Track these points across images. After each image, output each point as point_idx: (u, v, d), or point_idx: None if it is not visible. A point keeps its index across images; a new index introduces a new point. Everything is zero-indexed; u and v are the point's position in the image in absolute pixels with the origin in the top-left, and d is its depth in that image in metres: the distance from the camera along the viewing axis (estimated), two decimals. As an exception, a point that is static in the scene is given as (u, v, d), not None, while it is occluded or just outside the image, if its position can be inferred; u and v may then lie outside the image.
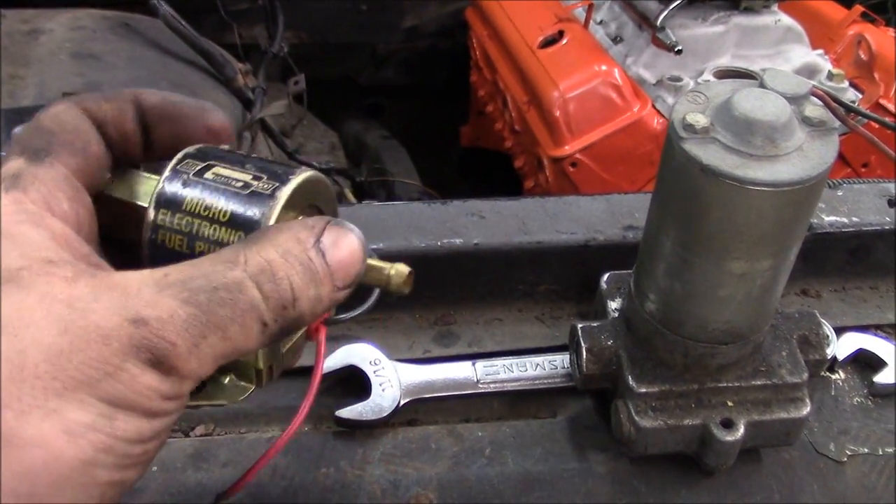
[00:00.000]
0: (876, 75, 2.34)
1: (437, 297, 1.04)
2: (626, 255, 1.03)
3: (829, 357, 1.00)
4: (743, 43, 2.39)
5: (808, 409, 0.93)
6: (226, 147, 0.74)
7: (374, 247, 1.05)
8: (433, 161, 3.06)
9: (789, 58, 2.42)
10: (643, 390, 0.92)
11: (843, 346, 1.07)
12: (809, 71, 2.40)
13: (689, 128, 0.79)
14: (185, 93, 2.11)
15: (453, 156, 3.17)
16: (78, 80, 1.93)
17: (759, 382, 0.93)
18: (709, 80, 2.20)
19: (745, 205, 0.77)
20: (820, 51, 2.47)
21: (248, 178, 0.69)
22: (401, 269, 0.75)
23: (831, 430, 1.01)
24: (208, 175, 0.69)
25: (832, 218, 1.14)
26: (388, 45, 3.12)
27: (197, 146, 0.72)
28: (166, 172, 0.70)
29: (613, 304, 1.00)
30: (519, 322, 1.10)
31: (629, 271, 0.97)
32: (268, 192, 0.68)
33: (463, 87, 3.02)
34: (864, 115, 0.87)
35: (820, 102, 0.82)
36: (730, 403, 0.93)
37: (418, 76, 3.25)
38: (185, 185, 0.69)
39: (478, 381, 1.01)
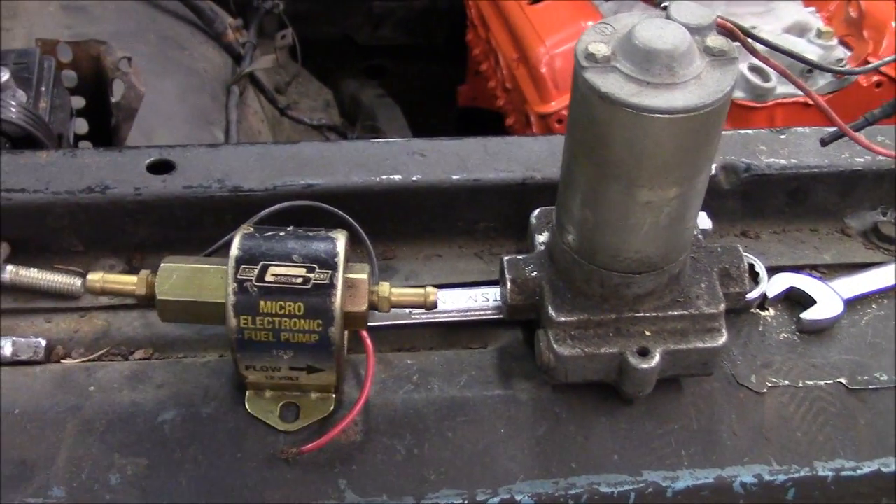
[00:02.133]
0: (865, 33, 2.33)
1: (377, 231, 1.06)
2: (560, 194, 1.05)
3: (755, 290, 1.02)
4: (734, -1, 2.38)
5: (725, 339, 0.95)
6: (267, 232, 0.90)
7: (314, 182, 1.08)
8: (433, 122, 3.07)
9: (780, 15, 2.40)
10: (562, 319, 0.95)
11: (774, 285, 1.09)
12: (800, 28, 2.39)
13: (591, 57, 0.81)
14: (172, 46, 2.16)
15: (452, 116, 3.17)
16: (65, 31, 1.97)
17: (675, 312, 0.95)
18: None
19: (643, 132, 0.80)
20: (812, 8, 2.45)
21: (303, 272, 0.87)
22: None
23: (754, 363, 1.03)
24: (268, 278, 0.87)
25: (771, 160, 1.15)
26: (385, 4, 3.12)
27: (241, 239, 0.89)
28: (232, 284, 0.87)
29: (541, 238, 1.03)
30: (458, 258, 1.13)
31: (558, 206, 1.00)
32: (326, 281, 0.87)
33: (462, 46, 3.03)
34: (774, 48, 0.88)
35: (724, 33, 0.83)
36: (647, 333, 0.95)
37: (417, 36, 3.25)
38: (253, 293, 0.87)
39: (410, 311, 1.04)
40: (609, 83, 0.79)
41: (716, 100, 0.79)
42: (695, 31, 0.82)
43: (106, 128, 1.59)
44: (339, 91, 3.01)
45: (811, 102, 2.47)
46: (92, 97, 1.58)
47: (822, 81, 2.29)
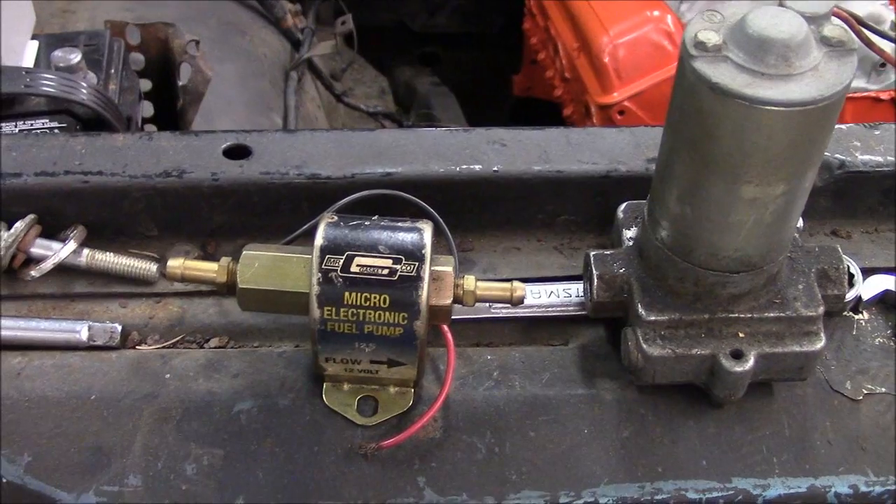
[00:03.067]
0: (942, 26, 2.25)
1: (455, 223, 1.03)
2: (648, 187, 1.01)
3: (849, 292, 0.98)
4: (805, -10, 2.31)
5: (823, 343, 0.91)
6: (351, 221, 0.87)
7: (393, 170, 1.05)
8: (486, 111, 3.04)
9: (852, 7, 2.33)
10: (652, 318, 0.91)
11: (869, 287, 1.04)
12: (874, 20, 2.32)
13: (701, 45, 0.77)
14: (233, 31, 2.14)
15: (506, 106, 3.14)
16: (127, 14, 1.95)
17: (772, 314, 0.91)
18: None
19: (756, 125, 0.76)
20: (885, 0, 2.38)
21: (389, 263, 0.84)
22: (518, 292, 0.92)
23: (849, 368, 0.99)
24: (354, 269, 0.84)
25: (867, 156, 1.10)
26: (442, -10, 3.10)
27: (325, 228, 0.87)
28: (316, 274, 0.84)
29: (629, 234, 0.99)
30: (537, 251, 1.10)
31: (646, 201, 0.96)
32: (412, 273, 0.84)
33: (518, 35, 2.99)
34: (889, 38, 0.84)
35: (840, 22, 0.79)
36: (741, 335, 0.92)
37: (473, 24, 3.22)
38: (338, 284, 0.84)
39: (490, 305, 1.01)
40: (720, 73, 0.75)
41: (834, 93, 0.74)
42: (810, 20, 0.78)
43: (172, 111, 1.58)
44: (393, 78, 2.99)
45: (882, 98, 2.41)
46: (159, 80, 1.57)
47: (893, 76, 2.23)
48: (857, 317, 1.04)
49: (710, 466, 0.92)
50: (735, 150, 0.78)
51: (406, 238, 0.86)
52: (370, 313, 0.85)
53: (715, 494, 0.91)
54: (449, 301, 0.88)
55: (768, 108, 0.74)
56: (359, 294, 0.84)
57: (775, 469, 0.92)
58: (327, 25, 2.67)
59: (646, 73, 2.26)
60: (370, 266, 0.85)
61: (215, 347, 0.99)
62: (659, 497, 0.90)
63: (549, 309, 1.02)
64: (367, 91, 2.73)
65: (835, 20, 0.80)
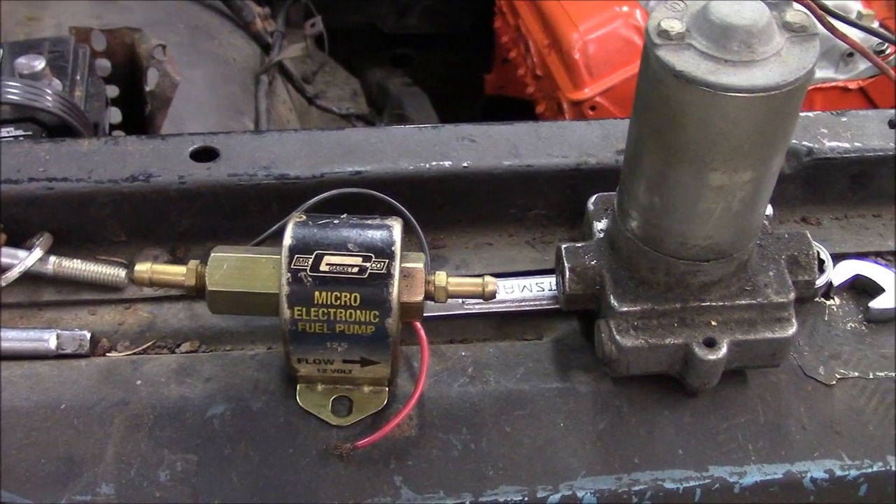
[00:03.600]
0: (907, 15, 2.27)
1: (426, 220, 1.03)
2: (618, 179, 1.02)
3: (820, 278, 0.98)
4: (770, -18, 2.33)
5: (795, 329, 0.92)
6: (320, 220, 0.87)
7: (362, 169, 1.05)
8: (459, 110, 3.03)
9: (818, -3, 2.35)
10: (625, 309, 0.91)
11: (839, 273, 1.05)
12: (839, 11, 2.33)
13: (664, 34, 0.77)
14: (202, 35, 2.13)
15: (478, 105, 3.14)
16: (95, 21, 1.94)
17: (743, 302, 0.91)
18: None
19: (720, 112, 0.76)
20: (852, -9, 2.39)
21: (359, 261, 0.83)
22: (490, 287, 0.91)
23: (822, 354, 0.99)
24: (323, 268, 0.83)
25: (834, 143, 1.11)
26: (411, -9, 3.09)
27: (293, 227, 0.86)
28: (286, 274, 0.83)
29: (599, 226, 0.99)
30: (509, 246, 1.10)
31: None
32: (383, 270, 0.84)
33: (489, 34, 2.99)
34: (852, 24, 0.84)
35: (801, 8, 0.79)
36: (713, 323, 0.92)
37: (443, 24, 3.21)
38: (308, 284, 0.83)
39: (463, 301, 1.01)
40: (684, 61, 0.76)
41: (798, 77, 0.75)
42: (772, 6, 0.78)
43: (140, 117, 1.56)
44: (365, 80, 2.98)
45: (850, 87, 2.42)
46: (126, 86, 1.56)
47: (863, 65, 2.24)
48: (828, 302, 1.04)
49: (686, 455, 0.92)
50: (701, 138, 0.78)
51: (375, 235, 0.86)
52: (341, 312, 0.84)
53: (692, 483, 0.91)
54: (420, 298, 0.88)
55: (732, 94, 0.74)
56: (329, 293, 0.84)
57: (751, 456, 0.92)
58: (297, 28, 2.66)
59: (616, 69, 2.26)
60: (340, 265, 0.84)
61: (187, 352, 0.98)
62: (636, 488, 0.90)
63: (523, 303, 1.02)
64: (339, 93, 2.71)
65: (796, 6, 0.80)
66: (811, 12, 0.81)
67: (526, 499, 0.89)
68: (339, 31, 2.73)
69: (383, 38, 3.19)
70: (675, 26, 0.77)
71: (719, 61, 0.76)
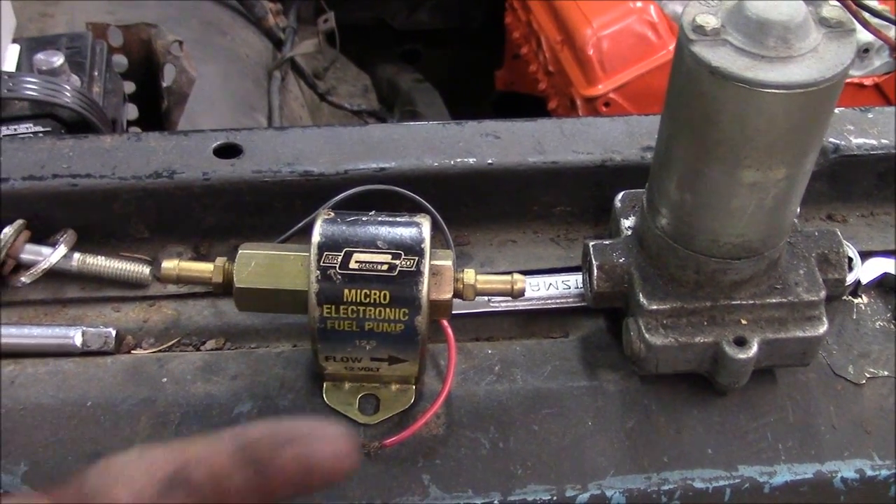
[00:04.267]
0: (923, 10, 2.25)
1: (450, 217, 1.02)
2: (644, 176, 1.00)
3: (848, 276, 0.98)
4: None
5: (825, 327, 0.91)
6: (349, 217, 0.86)
7: (386, 165, 1.04)
8: (469, 106, 3.02)
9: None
10: (654, 307, 0.90)
11: (867, 271, 1.04)
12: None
13: (699, 29, 0.76)
14: (214, 31, 2.12)
15: (488, 101, 3.13)
16: (107, 16, 1.93)
17: (774, 300, 0.91)
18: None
19: (756, 109, 0.75)
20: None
21: (388, 258, 0.82)
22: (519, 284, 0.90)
23: (851, 352, 0.99)
24: (353, 265, 0.83)
25: (861, 140, 1.10)
26: (422, -13, 3.08)
27: (322, 224, 0.85)
28: (315, 272, 0.82)
29: (627, 223, 0.98)
30: (534, 243, 1.09)
31: (644, 190, 0.95)
32: (412, 268, 0.83)
33: (499, 30, 2.98)
34: (887, 20, 0.84)
35: (837, 3, 0.78)
36: (743, 321, 0.91)
37: (453, 20, 3.20)
38: (337, 281, 0.83)
39: (489, 299, 1.00)
40: (720, 56, 0.75)
41: (835, 74, 0.74)
42: (808, 1, 0.77)
43: (156, 113, 1.56)
44: (375, 76, 2.97)
45: (866, 84, 2.41)
46: (142, 82, 1.55)
47: (879, 62, 2.23)
48: (856, 300, 1.04)
49: (715, 455, 0.91)
50: (736, 135, 0.78)
51: (405, 233, 0.85)
52: (370, 310, 0.84)
53: (721, 483, 0.90)
54: (449, 295, 0.87)
55: (769, 90, 0.74)
56: (358, 291, 0.83)
57: (781, 456, 0.91)
58: (308, 24, 2.65)
59: (630, 65, 2.26)
60: (369, 262, 0.83)
61: (212, 350, 0.97)
62: (666, 487, 0.90)
63: (549, 301, 1.02)
64: (350, 89, 2.71)
65: (832, 1, 0.79)
66: (845, 6, 0.80)
67: (555, 498, 0.88)
68: (349, 27, 2.72)
69: (393, 33, 3.19)
70: (710, 21, 0.76)
71: (756, 57, 0.75)
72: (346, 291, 0.83)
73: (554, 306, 1.02)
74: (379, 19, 3.15)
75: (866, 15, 0.84)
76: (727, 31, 0.76)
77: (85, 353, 0.95)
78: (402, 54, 3.23)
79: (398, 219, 0.87)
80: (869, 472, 0.91)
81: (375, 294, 0.83)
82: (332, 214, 0.87)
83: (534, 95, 2.77)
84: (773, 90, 0.73)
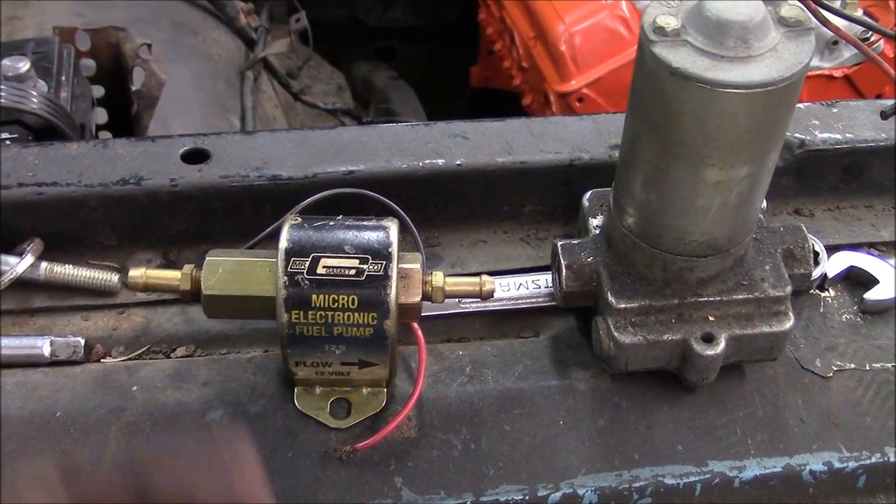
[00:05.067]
0: (891, 3, 2.27)
1: (420, 218, 1.03)
2: (612, 175, 1.01)
3: (814, 270, 0.98)
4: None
5: (792, 322, 0.92)
6: (316, 222, 0.86)
7: (355, 168, 1.04)
8: (444, 103, 3.02)
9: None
10: (622, 306, 0.91)
11: (833, 264, 1.05)
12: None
13: (660, 30, 0.77)
14: (185, 32, 2.11)
15: (464, 97, 3.13)
16: (77, 20, 1.91)
17: (740, 296, 0.91)
18: None
19: (717, 109, 0.76)
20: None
21: (356, 263, 0.83)
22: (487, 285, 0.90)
23: (818, 346, 1.00)
24: (320, 270, 0.83)
25: (826, 135, 1.11)
26: (395, -16, 3.08)
27: (289, 230, 0.84)
28: (283, 278, 0.82)
29: (595, 222, 0.99)
30: (504, 243, 1.09)
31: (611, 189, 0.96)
32: (380, 272, 0.83)
33: (473, 26, 2.98)
34: (847, 18, 0.84)
35: (796, 2, 0.79)
36: (711, 318, 0.92)
37: (427, 17, 3.20)
38: (305, 287, 0.82)
39: (459, 301, 1.00)
40: (681, 57, 0.75)
41: (794, 73, 0.75)
42: (766, 1, 0.78)
43: (126, 117, 1.55)
44: (349, 74, 2.96)
45: (836, 75, 2.42)
46: (111, 85, 1.54)
47: (848, 53, 2.24)
48: (823, 294, 1.05)
49: (686, 451, 0.92)
50: (698, 134, 0.78)
51: (372, 237, 0.85)
52: (339, 315, 0.84)
53: (692, 479, 0.91)
54: (418, 298, 0.87)
55: (730, 90, 0.74)
56: (326, 296, 0.83)
57: (750, 450, 0.92)
58: (280, 23, 2.64)
59: (603, 60, 2.26)
60: (337, 267, 0.83)
61: (182, 357, 0.97)
62: (637, 484, 0.90)
63: (519, 301, 1.02)
64: (324, 88, 2.70)
65: (791, 0, 0.80)
66: (805, 5, 0.80)
67: (527, 498, 0.89)
68: (322, 25, 2.71)
69: (367, 31, 3.18)
70: (670, 23, 0.77)
71: (715, 57, 0.75)
72: (314, 297, 0.83)
73: (524, 306, 1.02)
74: (352, 17, 3.14)
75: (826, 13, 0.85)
76: (687, 32, 0.77)
77: (54, 362, 0.94)
78: (376, 51, 3.23)
79: (365, 223, 0.87)
80: (837, 465, 0.92)
81: (343, 299, 0.83)
82: (300, 220, 0.87)
83: (509, 91, 2.77)
84: (734, 90, 0.74)
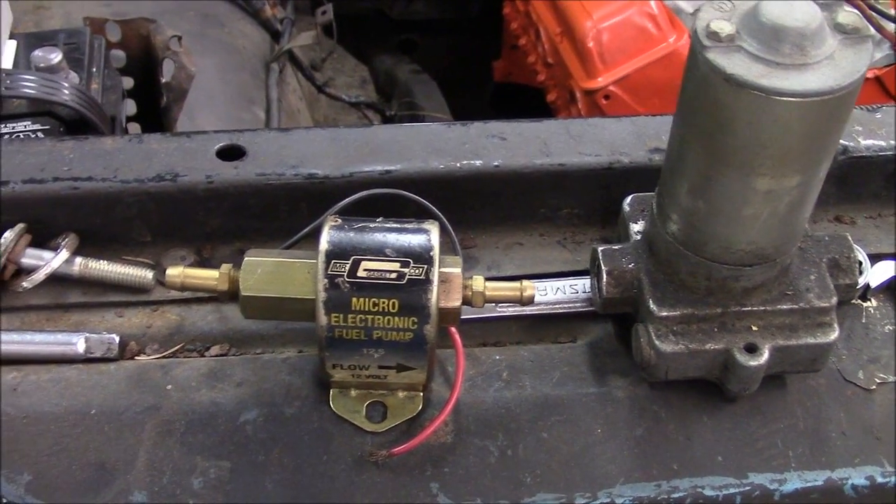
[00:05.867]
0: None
1: (456, 220, 1.01)
2: (651, 179, 1.00)
3: (859, 282, 0.97)
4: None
5: (836, 334, 0.90)
6: (356, 224, 0.84)
7: (391, 168, 1.03)
8: (466, 97, 3.01)
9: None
10: (664, 314, 0.90)
11: (876, 274, 1.03)
12: None
13: (713, 36, 0.75)
14: (211, 24, 2.10)
15: (486, 91, 3.11)
16: (104, 10, 1.91)
17: (785, 307, 0.90)
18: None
19: (772, 116, 0.74)
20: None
21: (397, 266, 0.81)
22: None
23: (860, 357, 0.98)
24: (361, 273, 0.81)
25: (869, 141, 1.09)
26: (420, -24, 3.06)
27: (329, 231, 0.83)
28: (323, 280, 0.81)
29: (636, 227, 0.97)
30: (540, 246, 1.08)
31: (653, 193, 0.94)
32: (421, 276, 0.82)
33: (496, 20, 2.96)
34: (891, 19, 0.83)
35: (853, 9, 0.77)
36: (754, 328, 0.90)
37: (450, 9, 3.18)
38: (345, 290, 0.81)
39: (496, 304, 0.99)
40: (735, 64, 0.74)
41: (851, 81, 0.73)
42: (823, 6, 0.76)
43: (155, 109, 1.54)
44: (373, 67, 2.95)
45: (867, 76, 2.40)
46: (141, 77, 1.53)
47: (879, 54, 2.22)
48: (865, 304, 1.03)
49: (725, 462, 0.91)
50: (750, 143, 0.76)
51: (413, 240, 0.84)
52: (379, 318, 0.83)
53: (732, 490, 0.89)
54: (458, 303, 0.86)
55: (785, 98, 0.73)
56: (367, 299, 0.82)
57: (791, 463, 0.91)
58: (305, 15, 2.63)
59: (630, 57, 2.24)
60: (377, 270, 0.82)
61: (216, 355, 0.96)
62: (676, 495, 0.89)
63: (556, 306, 1.01)
64: (347, 81, 2.69)
65: (847, 6, 0.78)
66: (861, 13, 0.79)
67: (564, 506, 0.88)
68: (345, 18, 2.70)
69: (390, 24, 3.16)
70: (724, 28, 0.75)
71: (771, 64, 0.74)
72: (355, 300, 0.82)
73: (561, 311, 1.01)
74: (376, 9, 3.13)
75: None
76: (742, 38, 0.75)
77: (88, 359, 0.93)
78: (398, 44, 3.21)
79: (406, 225, 0.86)
80: (879, 479, 0.91)
81: (384, 303, 0.82)
82: (340, 221, 0.86)
83: (532, 86, 2.76)
84: (789, 98, 0.72)
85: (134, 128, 1.54)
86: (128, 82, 1.52)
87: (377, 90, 2.81)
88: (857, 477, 0.91)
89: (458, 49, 3.21)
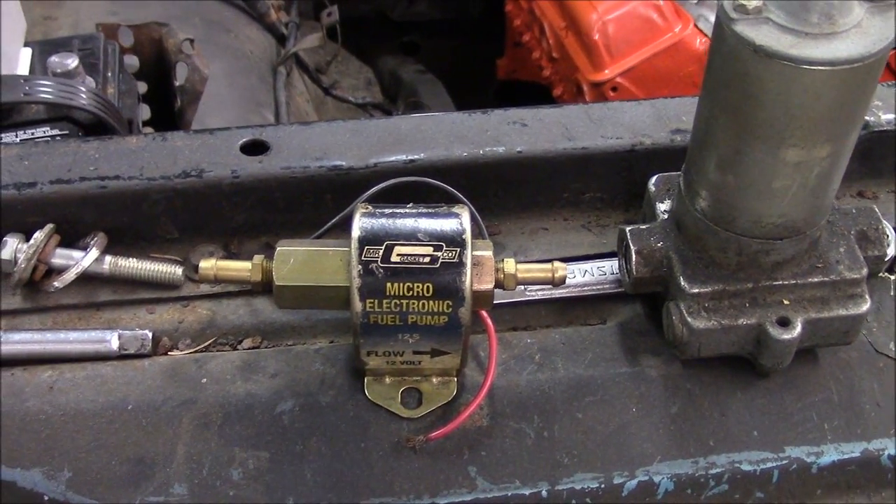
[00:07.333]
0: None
1: (481, 206, 1.01)
2: (674, 160, 1.00)
3: (888, 254, 0.97)
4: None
5: (868, 305, 0.90)
6: (387, 210, 0.85)
7: (415, 157, 1.03)
8: (468, 97, 3.01)
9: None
10: (696, 291, 0.90)
11: (901, 247, 1.03)
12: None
13: (741, 8, 0.76)
14: (218, 29, 2.11)
15: (490, 90, 3.11)
16: (112, 18, 1.91)
17: (816, 279, 0.90)
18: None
19: (801, 86, 0.74)
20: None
21: (430, 250, 0.82)
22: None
23: (891, 329, 0.98)
24: (394, 258, 0.82)
25: (890, 115, 1.09)
26: (420, -23, 3.07)
27: (361, 218, 0.83)
28: (357, 267, 0.81)
29: (663, 206, 0.98)
30: (565, 230, 1.08)
31: (678, 173, 0.94)
32: (455, 259, 0.82)
33: (498, 19, 2.96)
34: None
35: (879, -23, 0.78)
36: (786, 302, 0.90)
37: (452, 10, 3.18)
38: (379, 275, 0.82)
39: (525, 288, 0.99)
40: (763, 35, 0.74)
41: (881, 49, 0.73)
42: (849, -25, 0.76)
43: (169, 113, 1.55)
44: (377, 69, 2.95)
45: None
46: (155, 81, 1.54)
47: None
48: (892, 277, 1.03)
49: (761, 437, 0.91)
50: (780, 113, 0.77)
51: (445, 224, 0.84)
52: (413, 303, 0.83)
53: (769, 465, 0.90)
54: (491, 285, 0.86)
55: (815, 67, 0.73)
56: (401, 284, 0.82)
57: (827, 435, 0.91)
58: (308, 19, 2.64)
59: (637, 48, 2.24)
60: (411, 255, 0.82)
61: (249, 348, 0.97)
62: (714, 471, 0.89)
63: (585, 288, 1.01)
64: (353, 83, 2.70)
65: (872, -25, 0.78)
66: (884, -18, 0.79)
67: (602, 486, 0.88)
68: (348, 20, 2.71)
69: (392, 25, 3.17)
70: (751, 0, 0.76)
71: (799, 34, 0.74)
72: (389, 285, 0.82)
73: (590, 293, 1.01)
74: (378, 11, 3.13)
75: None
76: (769, 9, 0.75)
77: (122, 356, 0.94)
78: (400, 46, 3.22)
79: (437, 210, 0.86)
80: (916, 449, 0.91)
81: (418, 287, 0.82)
82: (370, 208, 0.86)
83: (537, 83, 2.76)
84: (820, 67, 0.73)
85: (148, 132, 1.54)
86: (142, 87, 1.52)
87: (382, 91, 2.82)
88: (893, 447, 0.91)
89: (460, 50, 3.22)
